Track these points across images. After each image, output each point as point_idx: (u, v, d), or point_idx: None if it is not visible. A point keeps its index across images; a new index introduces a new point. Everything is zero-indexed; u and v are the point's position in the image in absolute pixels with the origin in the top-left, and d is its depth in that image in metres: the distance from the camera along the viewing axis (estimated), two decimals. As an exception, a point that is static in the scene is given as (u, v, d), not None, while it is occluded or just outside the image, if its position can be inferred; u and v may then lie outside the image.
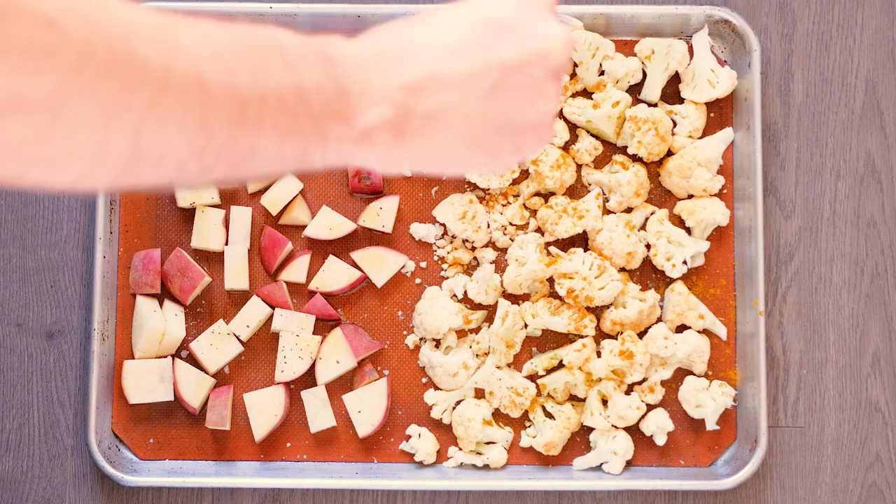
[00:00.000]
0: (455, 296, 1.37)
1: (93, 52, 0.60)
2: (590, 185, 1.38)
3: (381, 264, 1.36)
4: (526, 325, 1.35)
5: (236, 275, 1.35)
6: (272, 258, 1.35)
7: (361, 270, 1.36)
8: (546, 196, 1.38)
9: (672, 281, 1.37)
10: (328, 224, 1.36)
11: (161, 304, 1.35)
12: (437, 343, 1.36)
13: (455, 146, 0.79)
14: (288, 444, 1.34)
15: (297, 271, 1.36)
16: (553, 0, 0.85)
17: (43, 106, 0.59)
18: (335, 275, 1.35)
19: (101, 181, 0.65)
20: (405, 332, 1.37)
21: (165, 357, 1.34)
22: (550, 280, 1.36)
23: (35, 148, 0.60)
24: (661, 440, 1.34)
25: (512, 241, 1.37)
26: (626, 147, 1.38)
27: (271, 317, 1.35)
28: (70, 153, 0.61)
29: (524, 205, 1.38)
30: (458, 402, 1.36)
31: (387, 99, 0.75)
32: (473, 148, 0.80)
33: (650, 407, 1.36)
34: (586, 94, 1.39)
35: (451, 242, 1.38)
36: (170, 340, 1.34)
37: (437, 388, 1.36)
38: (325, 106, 0.72)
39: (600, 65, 1.38)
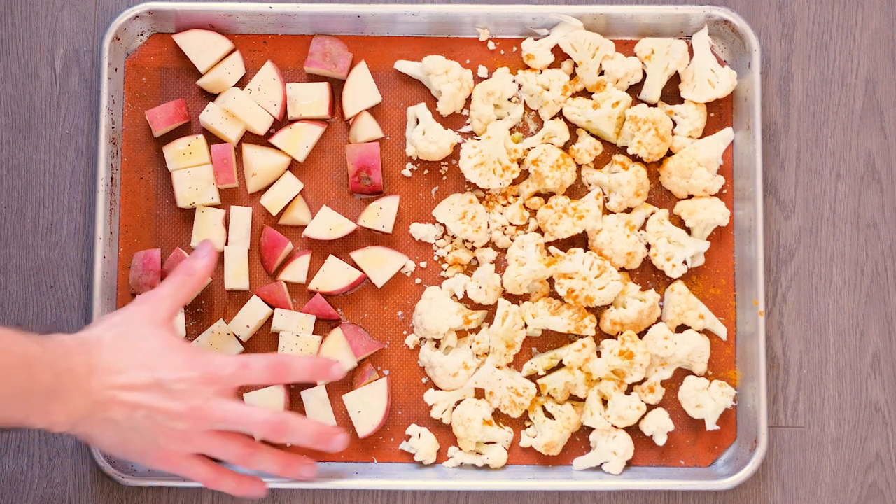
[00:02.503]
0: (455, 296, 1.37)
1: None
2: (590, 185, 1.38)
3: (381, 264, 1.36)
4: (526, 325, 1.35)
5: (236, 274, 1.35)
6: (272, 258, 1.35)
7: (361, 270, 1.36)
8: (546, 196, 1.38)
9: (672, 281, 1.37)
10: (328, 224, 1.36)
11: None
12: (437, 343, 1.36)
13: (106, 443, 1.21)
14: (288, 444, 1.34)
15: (297, 271, 1.36)
16: (220, 387, 1.21)
17: None
18: (335, 275, 1.35)
19: None
20: (405, 332, 1.37)
21: None
22: (550, 280, 1.36)
23: None
24: (661, 440, 1.34)
25: (512, 241, 1.37)
26: (626, 147, 1.38)
27: (271, 317, 1.35)
28: None
29: (524, 205, 1.38)
30: (458, 402, 1.36)
31: (77, 409, 1.16)
32: (121, 450, 1.22)
33: (650, 407, 1.36)
34: (586, 94, 1.39)
35: (451, 242, 1.38)
36: None
37: (437, 388, 1.36)
38: (38, 405, 1.13)
39: (600, 65, 1.38)
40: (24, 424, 1.15)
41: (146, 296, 1.25)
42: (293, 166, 1.38)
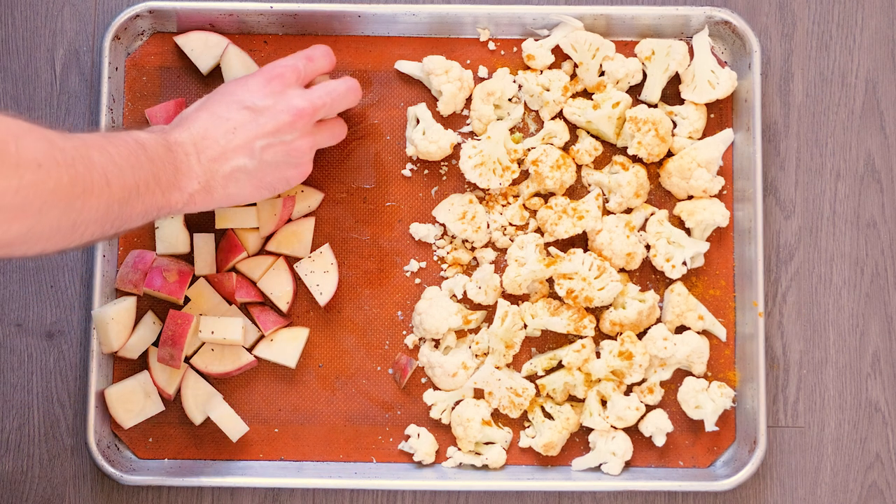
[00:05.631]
0: (455, 296, 1.37)
1: (59, 180, 1.02)
2: (590, 185, 1.38)
3: (295, 239, 1.37)
4: (525, 326, 1.35)
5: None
6: (225, 261, 1.36)
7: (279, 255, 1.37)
8: (546, 196, 1.38)
9: (672, 282, 1.37)
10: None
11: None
12: (437, 343, 1.36)
13: (246, 190, 1.24)
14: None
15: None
16: (293, 78, 1.26)
17: (24, 210, 1.00)
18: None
19: (56, 247, 1.07)
20: (405, 332, 1.37)
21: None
22: (550, 280, 1.36)
23: (26, 232, 1.03)
24: (660, 441, 1.34)
25: (512, 241, 1.37)
26: (626, 148, 1.38)
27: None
28: (44, 235, 1.04)
29: (524, 205, 1.38)
30: (458, 403, 1.36)
31: (199, 172, 1.20)
32: (258, 189, 1.25)
33: (649, 408, 1.36)
34: (586, 94, 1.39)
35: (451, 242, 1.38)
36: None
37: (436, 388, 1.36)
38: (168, 183, 1.17)
39: (600, 65, 1.38)
40: (167, 208, 1.17)
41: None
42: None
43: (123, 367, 1.36)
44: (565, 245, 1.37)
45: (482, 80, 1.39)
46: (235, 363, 1.34)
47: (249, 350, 1.36)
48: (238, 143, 1.22)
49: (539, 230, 1.37)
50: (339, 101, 1.29)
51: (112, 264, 1.36)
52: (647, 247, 1.37)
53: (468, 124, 1.39)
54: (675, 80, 1.39)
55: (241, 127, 1.22)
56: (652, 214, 1.37)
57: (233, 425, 1.33)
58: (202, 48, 1.38)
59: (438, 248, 1.38)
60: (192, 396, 1.35)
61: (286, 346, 1.36)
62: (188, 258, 1.37)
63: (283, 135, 1.24)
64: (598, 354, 1.35)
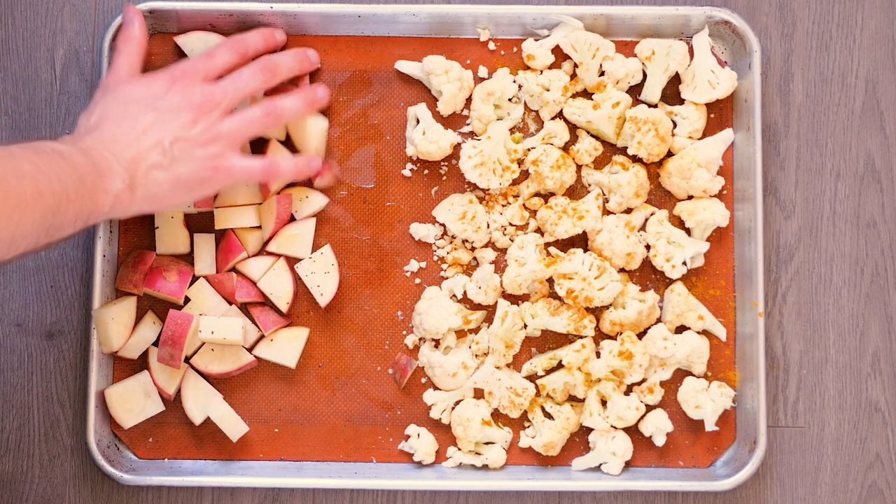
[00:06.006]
0: (455, 296, 1.37)
1: None
2: (590, 185, 1.38)
3: (297, 240, 1.37)
4: (525, 326, 1.35)
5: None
6: (225, 261, 1.36)
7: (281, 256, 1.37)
8: (546, 196, 1.38)
9: (672, 282, 1.37)
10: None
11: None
12: (437, 343, 1.36)
13: (165, 188, 1.24)
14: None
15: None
16: (195, 78, 1.28)
17: None
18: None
19: None
20: (404, 332, 1.37)
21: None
22: (550, 280, 1.36)
23: None
24: (660, 441, 1.34)
25: (512, 241, 1.37)
26: (626, 148, 1.38)
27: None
28: None
29: (524, 205, 1.38)
30: (458, 403, 1.36)
31: (121, 171, 1.20)
32: (176, 188, 1.25)
33: (649, 408, 1.36)
34: (586, 94, 1.39)
35: (451, 242, 1.38)
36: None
37: (436, 388, 1.36)
38: (93, 186, 1.17)
39: (600, 65, 1.38)
40: (95, 213, 1.18)
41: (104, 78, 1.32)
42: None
43: (123, 367, 1.36)
44: (565, 245, 1.37)
45: (482, 80, 1.39)
46: (235, 363, 1.34)
47: (249, 350, 1.36)
48: (149, 143, 1.23)
49: (539, 230, 1.37)
50: (243, 86, 1.30)
51: (112, 264, 1.36)
52: (647, 247, 1.37)
53: (468, 124, 1.39)
54: (675, 80, 1.39)
55: (150, 127, 1.23)
56: (652, 214, 1.37)
57: (233, 425, 1.33)
58: (202, 48, 1.38)
59: (438, 248, 1.38)
60: (193, 396, 1.35)
61: (286, 346, 1.36)
62: (188, 258, 1.37)
63: (188, 131, 1.25)
64: (598, 354, 1.35)
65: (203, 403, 1.34)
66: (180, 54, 1.39)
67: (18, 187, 1.08)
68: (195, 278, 1.36)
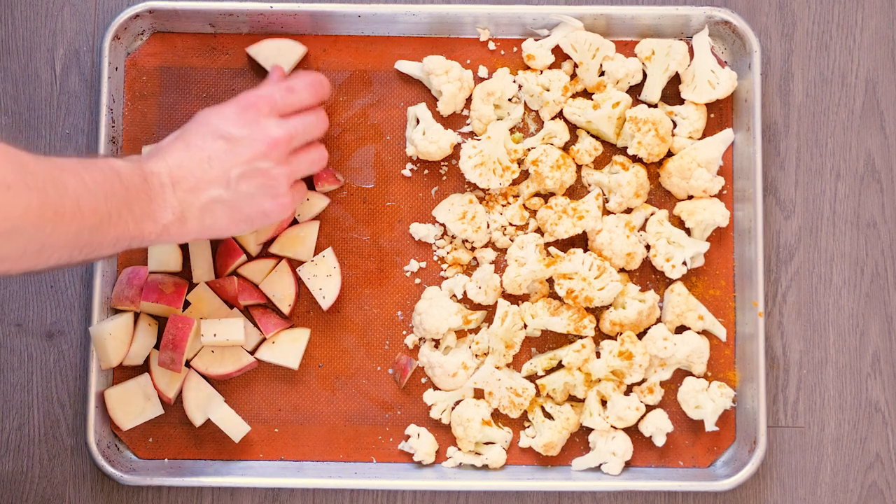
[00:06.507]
0: (455, 296, 1.37)
1: (28, 203, 1.02)
2: (590, 185, 1.38)
3: (299, 242, 1.37)
4: (525, 326, 1.35)
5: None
6: (225, 266, 1.36)
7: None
8: (546, 196, 1.38)
9: (672, 282, 1.37)
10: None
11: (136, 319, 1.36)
12: (437, 343, 1.36)
13: (222, 222, 1.22)
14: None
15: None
16: (268, 108, 1.24)
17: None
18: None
19: (21, 269, 1.06)
20: (404, 332, 1.37)
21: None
22: (550, 280, 1.36)
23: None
24: (660, 441, 1.34)
25: (512, 241, 1.37)
26: (626, 148, 1.38)
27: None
28: (10, 256, 1.04)
29: (524, 205, 1.38)
30: (458, 403, 1.36)
31: (174, 203, 1.18)
32: (235, 221, 1.23)
33: (649, 408, 1.36)
34: (586, 94, 1.39)
35: (451, 242, 1.38)
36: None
37: (436, 388, 1.36)
38: (142, 213, 1.15)
39: (601, 65, 1.38)
40: (139, 238, 1.16)
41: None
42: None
43: (124, 369, 1.36)
44: (565, 245, 1.37)
45: (482, 80, 1.39)
46: (236, 364, 1.34)
47: (251, 353, 1.36)
48: (214, 175, 1.20)
49: (539, 230, 1.37)
50: (310, 130, 1.29)
51: (112, 265, 1.36)
52: (647, 247, 1.37)
53: (468, 124, 1.39)
54: (675, 80, 1.39)
55: (216, 157, 1.21)
56: (652, 214, 1.37)
57: (234, 426, 1.33)
58: (276, 56, 1.37)
59: (438, 248, 1.38)
60: (194, 398, 1.34)
61: (288, 348, 1.35)
62: (181, 274, 1.36)
63: (258, 163, 1.22)
64: (598, 354, 1.35)
65: (204, 405, 1.34)
66: (180, 53, 1.39)
67: (57, 200, 1.05)
68: (193, 284, 1.36)
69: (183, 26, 1.39)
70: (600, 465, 1.35)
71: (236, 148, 1.21)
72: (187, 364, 1.35)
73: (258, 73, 1.39)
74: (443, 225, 1.38)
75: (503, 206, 1.38)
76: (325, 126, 1.32)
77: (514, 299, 1.37)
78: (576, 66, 1.38)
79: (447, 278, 1.38)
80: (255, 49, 1.38)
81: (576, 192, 1.39)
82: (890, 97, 1.42)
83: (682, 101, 1.39)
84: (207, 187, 1.20)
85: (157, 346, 1.35)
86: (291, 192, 1.27)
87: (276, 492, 1.36)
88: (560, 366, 1.35)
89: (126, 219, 1.13)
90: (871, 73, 1.42)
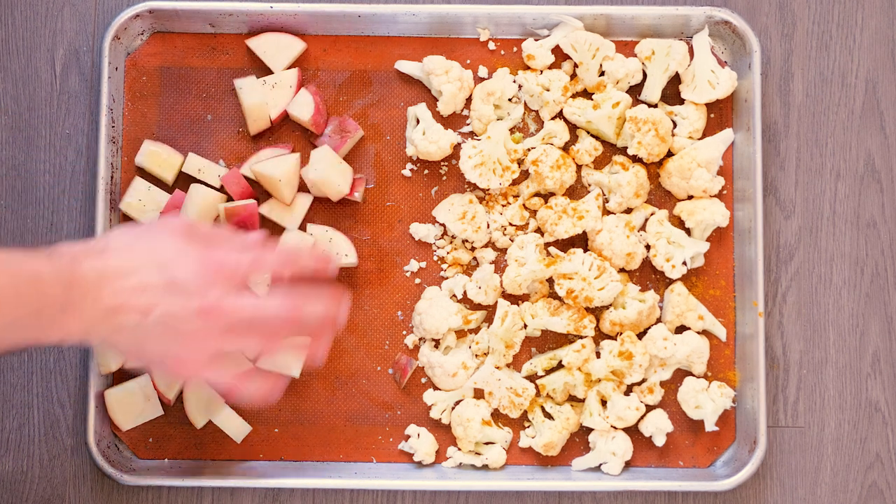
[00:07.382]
0: (455, 296, 1.37)
1: None
2: (590, 185, 1.38)
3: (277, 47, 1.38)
4: (525, 326, 1.35)
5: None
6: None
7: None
8: (546, 196, 1.38)
9: (672, 282, 1.37)
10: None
11: None
12: (437, 343, 1.36)
13: (122, 347, 1.18)
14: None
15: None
16: (227, 277, 1.14)
17: None
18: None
19: None
20: (404, 332, 1.37)
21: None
22: (550, 280, 1.36)
23: None
24: (660, 441, 1.34)
25: (512, 241, 1.37)
26: (626, 148, 1.38)
27: None
28: None
29: (524, 205, 1.38)
30: (458, 403, 1.36)
31: (86, 318, 1.10)
32: (134, 354, 1.20)
33: (649, 408, 1.36)
34: (586, 94, 1.39)
35: (451, 242, 1.38)
36: None
37: (436, 388, 1.36)
38: (50, 320, 1.08)
39: (600, 65, 1.38)
40: (38, 342, 1.10)
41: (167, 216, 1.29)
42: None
43: (124, 369, 1.35)
44: (565, 245, 1.37)
45: (482, 80, 1.39)
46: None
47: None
48: (138, 303, 1.11)
49: (539, 230, 1.37)
50: (262, 318, 1.17)
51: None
52: (647, 247, 1.37)
53: (468, 124, 1.39)
54: (675, 80, 1.39)
55: (150, 291, 1.12)
56: (652, 214, 1.37)
57: (236, 426, 1.33)
58: (275, 50, 1.37)
59: (438, 248, 1.38)
60: (195, 400, 1.34)
61: (289, 355, 1.34)
62: None
63: (182, 323, 1.12)
64: (598, 354, 1.35)
65: (205, 407, 1.34)
66: (180, 53, 1.39)
67: None
68: None
69: (183, 26, 1.39)
70: (600, 465, 1.35)
71: (172, 296, 1.12)
72: None
73: (258, 69, 1.38)
74: (443, 225, 1.38)
75: (503, 206, 1.38)
76: (282, 269, 1.21)
77: (514, 299, 1.37)
78: (576, 66, 1.38)
79: (447, 278, 1.38)
80: (255, 42, 1.38)
81: (576, 192, 1.39)
82: (890, 97, 1.42)
83: (682, 101, 1.39)
84: (127, 312, 1.11)
85: None
86: (216, 368, 1.18)
87: (276, 492, 1.36)
88: (560, 366, 1.35)
89: (29, 326, 1.08)
90: (871, 73, 1.42)
